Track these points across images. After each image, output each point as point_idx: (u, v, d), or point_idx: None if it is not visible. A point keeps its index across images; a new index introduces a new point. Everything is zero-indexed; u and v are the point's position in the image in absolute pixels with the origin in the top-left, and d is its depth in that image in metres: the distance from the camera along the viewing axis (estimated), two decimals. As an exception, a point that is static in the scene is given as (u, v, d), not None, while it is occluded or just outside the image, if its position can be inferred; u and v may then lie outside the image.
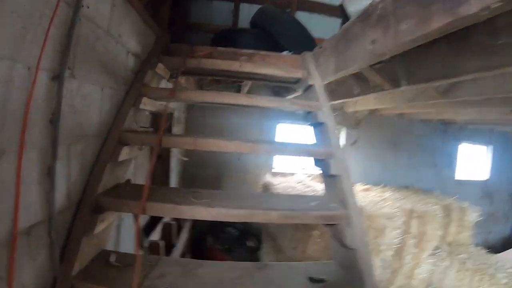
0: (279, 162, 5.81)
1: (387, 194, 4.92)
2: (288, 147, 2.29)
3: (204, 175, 5.46)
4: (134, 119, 2.36)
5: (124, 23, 2.20)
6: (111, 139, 2.04)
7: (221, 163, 5.47)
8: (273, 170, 5.67)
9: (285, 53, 3.52)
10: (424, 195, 5.39)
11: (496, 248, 6.66)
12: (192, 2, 4.61)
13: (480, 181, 7.15)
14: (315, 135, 2.58)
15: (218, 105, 5.19)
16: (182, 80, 3.62)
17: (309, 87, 2.76)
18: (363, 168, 5.80)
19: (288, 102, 2.65)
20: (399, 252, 4.39)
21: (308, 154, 2.22)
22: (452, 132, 6.34)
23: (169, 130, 4.38)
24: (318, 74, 2.78)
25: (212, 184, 5.44)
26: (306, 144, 2.55)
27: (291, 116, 5.35)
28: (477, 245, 5.16)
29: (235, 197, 2.09)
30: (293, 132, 5.87)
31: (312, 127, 2.59)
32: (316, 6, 4.87)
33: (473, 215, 5.12)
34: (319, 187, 4.61)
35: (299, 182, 4.91)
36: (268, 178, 5.06)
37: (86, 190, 1.81)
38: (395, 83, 2.64)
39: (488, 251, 4.96)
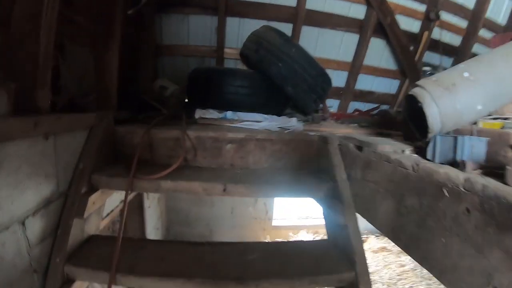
0: (280, 212, 4.74)
1: (408, 261, 3.92)
2: None
3: (192, 234, 4.34)
4: None
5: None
6: None
7: (212, 218, 4.34)
8: (273, 223, 4.58)
9: (294, 122, 2.35)
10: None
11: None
12: (163, 19, 3.30)
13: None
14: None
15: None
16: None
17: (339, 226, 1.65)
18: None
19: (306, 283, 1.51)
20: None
21: None
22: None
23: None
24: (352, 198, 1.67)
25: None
26: None
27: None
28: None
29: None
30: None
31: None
32: (328, 19, 3.62)
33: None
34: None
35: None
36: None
37: None
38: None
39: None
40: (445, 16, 3.82)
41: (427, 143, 1.36)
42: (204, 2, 3.31)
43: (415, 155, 1.46)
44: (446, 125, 1.33)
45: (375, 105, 4.23)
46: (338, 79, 3.90)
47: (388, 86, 4.21)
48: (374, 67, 3.98)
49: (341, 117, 3.61)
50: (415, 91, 1.38)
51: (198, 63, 3.56)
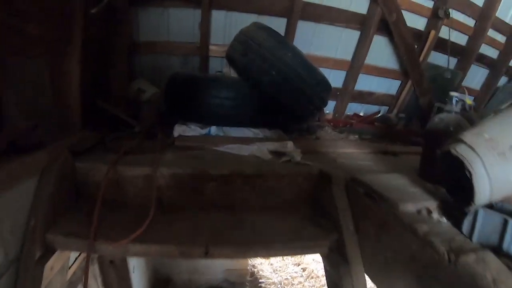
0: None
1: None
2: None
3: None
4: None
5: None
6: None
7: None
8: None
9: (291, 146, 2.06)
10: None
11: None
12: (139, 13, 2.91)
13: None
14: None
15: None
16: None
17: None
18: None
19: None
20: None
21: None
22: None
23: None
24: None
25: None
26: None
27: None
28: None
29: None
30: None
31: None
32: (326, 13, 3.28)
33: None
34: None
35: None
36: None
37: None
38: None
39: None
40: (453, 13, 3.53)
41: (464, 214, 1.10)
42: (186, -7, 2.92)
43: (447, 224, 1.19)
44: (494, 197, 1.06)
45: (374, 107, 3.98)
46: (335, 78, 3.59)
47: (387, 86, 3.93)
48: (374, 66, 3.67)
49: (339, 123, 3.35)
50: (463, 152, 1.08)
51: (181, 61, 3.20)
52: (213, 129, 2.34)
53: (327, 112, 3.66)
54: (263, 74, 2.36)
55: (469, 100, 1.74)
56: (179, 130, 2.25)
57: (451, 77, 3.70)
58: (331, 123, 3.28)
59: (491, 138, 1.06)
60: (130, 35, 2.92)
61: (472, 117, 1.73)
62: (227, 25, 3.12)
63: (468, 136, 1.10)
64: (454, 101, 1.65)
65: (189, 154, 1.92)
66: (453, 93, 1.66)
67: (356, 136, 2.85)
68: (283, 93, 2.40)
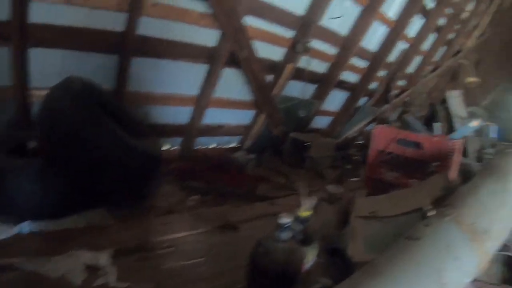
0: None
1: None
2: None
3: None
4: None
5: None
6: None
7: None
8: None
9: (104, 260, 2.13)
10: None
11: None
12: None
13: None
14: None
15: None
16: None
17: None
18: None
19: None
20: None
21: None
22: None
23: None
24: None
25: None
26: None
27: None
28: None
29: None
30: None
31: None
32: (169, 48, 3.30)
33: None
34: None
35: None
36: None
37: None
38: None
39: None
40: (314, 43, 3.76)
41: None
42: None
43: None
44: None
45: (226, 138, 4.21)
46: (181, 115, 3.70)
47: (241, 117, 4.22)
48: (224, 99, 3.89)
49: (184, 169, 3.45)
50: None
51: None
52: (26, 226, 2.28)
53: (174, 147, 3.76)
54: (71, 160, 2.34)
55: (305, 213, 1.60)
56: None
57: (305, 115, 4.01)
58: (176, 170, 3.37)
59: None
60: None
61: (311, 233, 1.68)
62: (49, 65, 2.92)
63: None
64: (283, 229, 1.39)
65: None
66: (283, 219, 1.40)
67: (197, 197, 2.98)
68: (99, 179, 2.42)
